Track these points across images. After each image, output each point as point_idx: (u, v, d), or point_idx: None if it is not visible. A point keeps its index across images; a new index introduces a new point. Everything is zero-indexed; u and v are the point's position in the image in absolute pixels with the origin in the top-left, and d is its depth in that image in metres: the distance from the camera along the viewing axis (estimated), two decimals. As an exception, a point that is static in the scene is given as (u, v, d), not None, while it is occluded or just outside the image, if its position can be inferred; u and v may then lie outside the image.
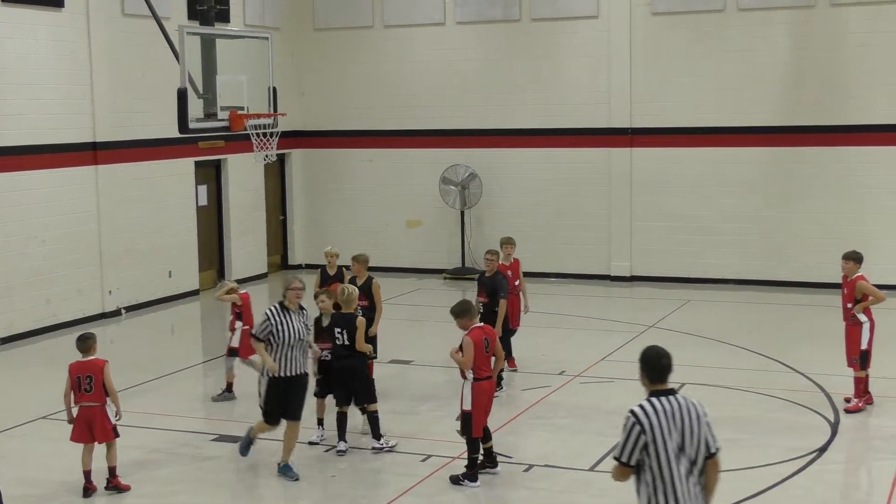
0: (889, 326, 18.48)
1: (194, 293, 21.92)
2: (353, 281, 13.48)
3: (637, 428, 6.53)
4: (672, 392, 6.64)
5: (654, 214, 22.59)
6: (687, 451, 6.56)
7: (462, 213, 23.66)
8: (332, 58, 24.83)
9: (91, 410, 10.62)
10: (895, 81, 20.71)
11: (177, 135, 14.62)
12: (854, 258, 13.35)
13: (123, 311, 20.14)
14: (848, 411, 13.07)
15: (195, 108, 14.07)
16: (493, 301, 14.01)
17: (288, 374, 10.98)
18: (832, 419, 12.80)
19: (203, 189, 22.57)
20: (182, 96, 13.70)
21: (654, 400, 6.60)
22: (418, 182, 24.28)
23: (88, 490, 10.74)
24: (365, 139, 24.78)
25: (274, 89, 15.22)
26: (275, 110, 15.23)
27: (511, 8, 23.27)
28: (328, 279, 14.33)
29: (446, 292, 21.95)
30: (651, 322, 18.32)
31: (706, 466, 6.62)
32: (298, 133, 24.79)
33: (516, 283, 15.09)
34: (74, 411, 10.75)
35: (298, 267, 24.66)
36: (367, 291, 13.44)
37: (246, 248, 23.65)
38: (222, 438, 12.46)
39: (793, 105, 21.51)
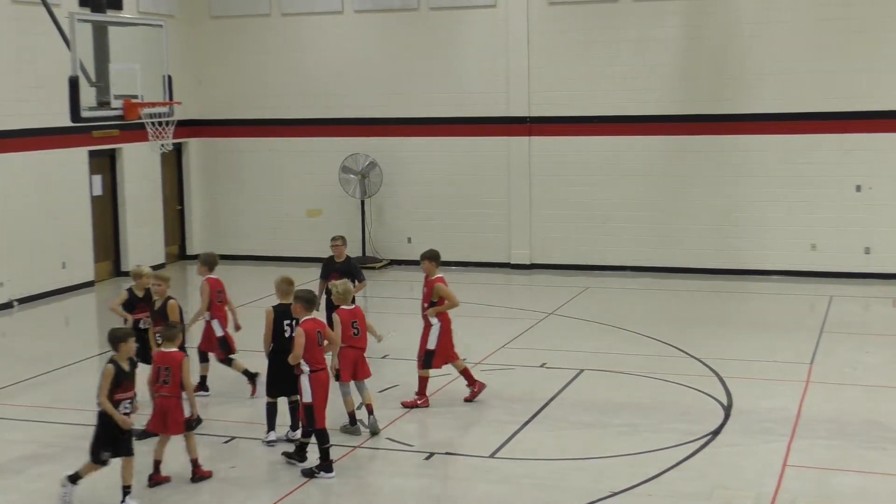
0: (790, 313, 18.95)
1: (89, 284, 21.50)
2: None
3: None
4: None
5: (552, 203, 22.78)
6: None
7: (362, 203, 23.59)
8: (230, 46, 24.54)
9: (167, 402, 10.67)
10: (787, 70, 21.18)
11: (69, 124, 14.31)
12: (430, 257, 13.12)
13: (16, 303, 19.68)
14: (404, 405, 13.06)
15: (88, 96, 13.79)
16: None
17: None
18: (725, 403, 13.08)
19: (98, 179, 22.13)
20: (73, 84, 13.41)
21: None
22: (318, 171, 24.14)
23: (153, 479, 10.73)
24: (264, 128, 24.56)
25: (169, 77, 15.01)
26: (170, 99, 15.03)
27: (410, -3, 23.28)
28: (137, 302, 12.88)
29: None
30: (550, 309, 18.47)
31: None
32: (196, 122, 24.45)
33: None
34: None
35: (196, 257, 24.32)
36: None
37: (143, 239, 23.25)
38: (118, 432, 12.26)
39: (688, 94, 21.86)
